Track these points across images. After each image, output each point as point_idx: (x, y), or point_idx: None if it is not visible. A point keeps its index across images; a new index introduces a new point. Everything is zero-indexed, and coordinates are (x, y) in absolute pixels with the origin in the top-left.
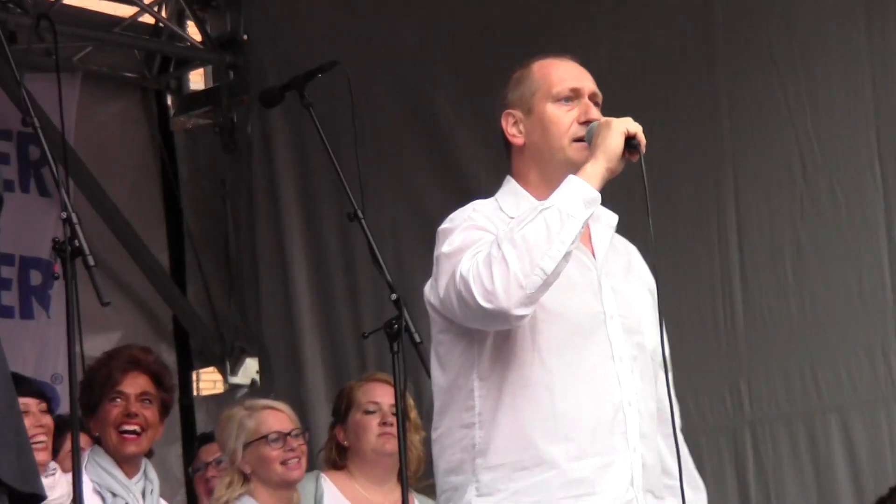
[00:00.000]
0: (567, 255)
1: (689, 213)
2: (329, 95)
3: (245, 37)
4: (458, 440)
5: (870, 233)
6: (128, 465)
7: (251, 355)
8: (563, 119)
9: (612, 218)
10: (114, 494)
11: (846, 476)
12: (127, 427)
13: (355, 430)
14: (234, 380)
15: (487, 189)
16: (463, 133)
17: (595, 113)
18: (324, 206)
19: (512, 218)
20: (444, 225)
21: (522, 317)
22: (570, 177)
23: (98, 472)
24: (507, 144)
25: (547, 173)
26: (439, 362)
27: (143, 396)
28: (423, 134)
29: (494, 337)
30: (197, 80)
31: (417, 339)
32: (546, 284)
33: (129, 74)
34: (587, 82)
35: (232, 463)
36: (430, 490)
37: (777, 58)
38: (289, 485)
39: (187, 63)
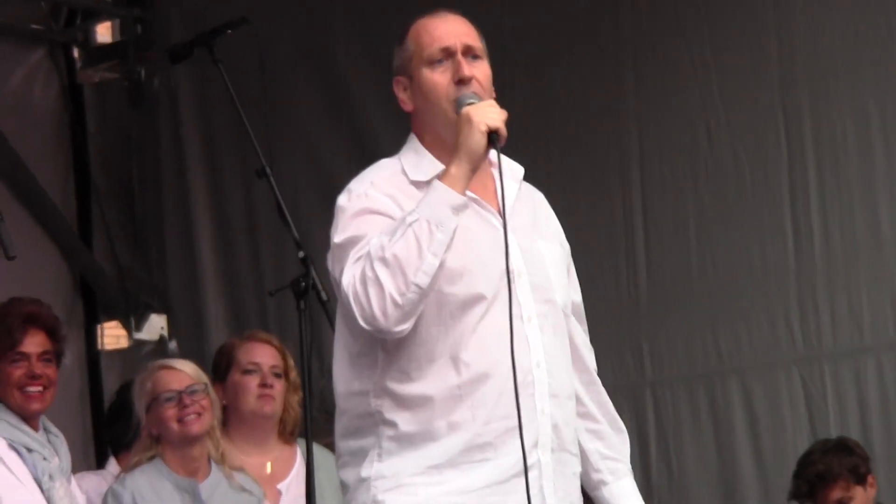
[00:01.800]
0: (442, 265)
1: (593, 176)
2: (236, 52)
3: None
4: (353, 406)
5: (773, 197)
6: (32, 420)
7: (157, 311)
8: (439, 83)
9: (518, 170)
10: (29, 450)
11: (745, 439)
12: (31, 388)
13: (234, 390)
14: (139, 335)
15: (387, 148)
16: (363, 90)
17: (467, 70)
18: (228, 162)
19: (410, 180)
20: (341, 199)
21: (404, 329)
22: (436, 182)
23: (9, 429)
24: None
25: (438, 136)
26: (349, 327)
27: (44, 356)
28: (324, 91)
29: None
30: (104, 33)
31: (324, 297)
32: (423, 296)
33: (36, 27)
34: (459, 38)
35: (142, 426)
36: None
37: (683, 21)
38: (190, 440)
39: (94, 16)
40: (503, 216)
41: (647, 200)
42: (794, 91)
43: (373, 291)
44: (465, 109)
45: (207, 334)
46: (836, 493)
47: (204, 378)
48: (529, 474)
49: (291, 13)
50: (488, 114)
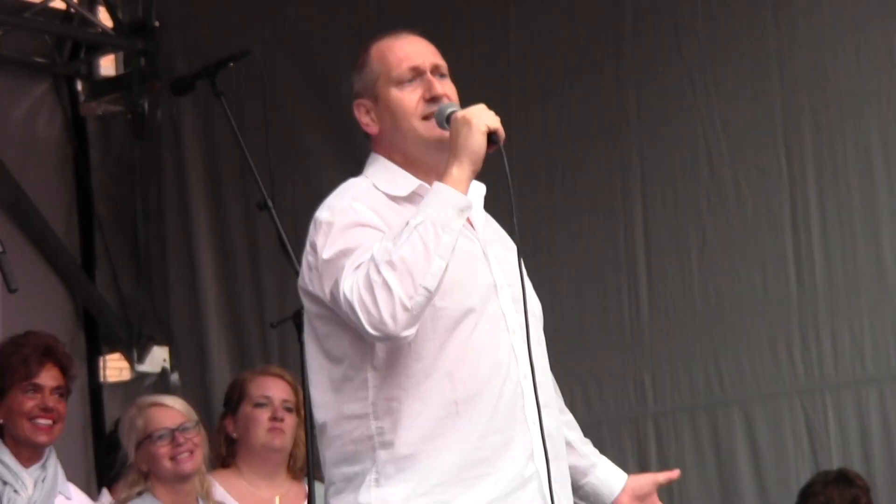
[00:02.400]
0: (447, 267)
1: (594, 203)
2: (240, 84)
3: (156, 23)
4: (347, 431)
5: (775, 226)
6: (29, 452)
7: (159, 343)
8: (408, 101)
9: (481, 187)
10: (3, 482)
11: (748, 469)
12: (42, 421)
13: (245, 423)
14: (142, 368)
15: None
16: None
17: (439, 88)
18: (230, 194)
19: (388, 195)
20: (323, 215)
21: (411, 334)
22: (438, 185)
23: None
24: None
25: (408, 156)
26: (326, 354)
27: (57, 390)
28: (327, 122)
29: None
30: (108, 65)
31: None
32: (430, 300)
33: (40, 60)
34: (426, 57)
35: (130, 463)
36: None
37: (685, 49)
38: (182, 478)
39: (98, 49)
40: (515, 224)
41: (649, 229)
42: (796, 120)
43: (381, 296)
44: (460, 113)
45: (209, 366)
46: None
47: (194, 415)
48: (530, 485)
49: (294, 45)
50: (486, 115)
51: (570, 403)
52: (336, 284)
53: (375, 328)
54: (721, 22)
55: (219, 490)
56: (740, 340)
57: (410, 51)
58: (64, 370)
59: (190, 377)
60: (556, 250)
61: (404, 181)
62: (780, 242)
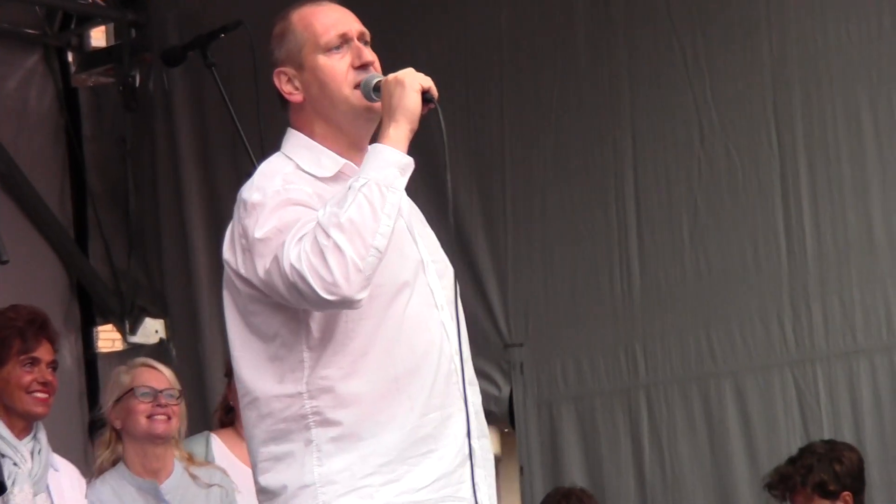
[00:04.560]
0: (394, 227)
1: (586, 176)
2: (231, 55)
3: None
4: (278, 410)
5: (765, 197)
6: (23, 424)
7: (152, 315)
8: (338, 68)
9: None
10: (2, 455)
11: (739, 440)
12: (39, 394)
13: (235, 389)
14: (134, 339)
15: None
16: None
17: (368, 54)
18: (223, 165)
19: (316, 177)
20: (252, 196)
21: (363, 298)
22: (377, 146)
23: None
24: (284, 101)
25: (333, 124)
26: (253, 331)
27: (52, 364)
28: None
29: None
30: (98, 37)
31: None
32: (380, 261)
33: (31, 31)
34: (353, 24)
35: (104, 419)
36: None
37: (676, 20)
38: (153, 439)
39: (89, 20)
40: (450, 189)
41: (641, 201)
42: (787, 92)
43: (332, 258)
44: (391, 76)
45: (202, 336)
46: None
47: (179, 386)
48: (469, 463)
49: None
50: (418, 75)
51: (562, 376)
52: (276, 261)
53: (330, 292)
54: None
55: (220, 447)
56: (731, 312)
57: (336, 18)
58: (54, 345)
59: (185, 347)
60: (547, 222)
61: (329, 161)
62: (771, 214)
